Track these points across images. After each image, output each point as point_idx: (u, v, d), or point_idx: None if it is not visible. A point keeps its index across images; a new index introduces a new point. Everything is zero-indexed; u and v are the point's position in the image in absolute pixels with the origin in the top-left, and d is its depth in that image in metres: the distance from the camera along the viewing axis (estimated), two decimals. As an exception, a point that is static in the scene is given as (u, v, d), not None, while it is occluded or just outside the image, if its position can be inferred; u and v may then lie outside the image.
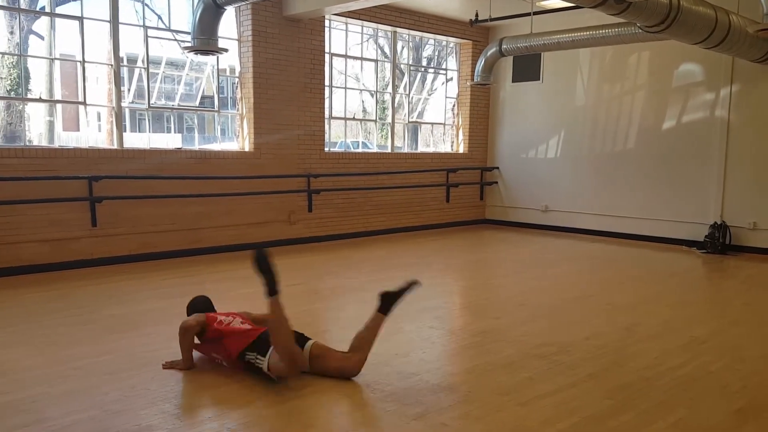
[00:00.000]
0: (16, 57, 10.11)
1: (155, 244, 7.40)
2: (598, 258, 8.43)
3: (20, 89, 10.47)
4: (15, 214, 6.40)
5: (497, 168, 11.44)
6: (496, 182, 11.47)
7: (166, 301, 5.56)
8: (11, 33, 10.10)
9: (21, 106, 9.49)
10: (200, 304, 4.15)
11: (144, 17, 7.76)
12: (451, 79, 11.33)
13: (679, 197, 9.22)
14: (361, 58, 10.11)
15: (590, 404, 3.43)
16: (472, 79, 10.00)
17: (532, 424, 3.17)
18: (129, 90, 7.74)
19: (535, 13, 8.53)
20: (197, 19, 6.37)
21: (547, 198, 10.75)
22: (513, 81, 11.02)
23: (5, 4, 7.32)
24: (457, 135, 11.39)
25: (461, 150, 11.32)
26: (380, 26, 9.84)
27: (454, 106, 11.36)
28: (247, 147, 8.34)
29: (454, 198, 11.04)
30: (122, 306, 5.40)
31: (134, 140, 8.37)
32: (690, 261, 8.26)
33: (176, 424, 3.13)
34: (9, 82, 11.32)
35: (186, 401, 3.43)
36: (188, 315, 4.01)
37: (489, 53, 9.18)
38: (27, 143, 7.32)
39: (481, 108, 11.33)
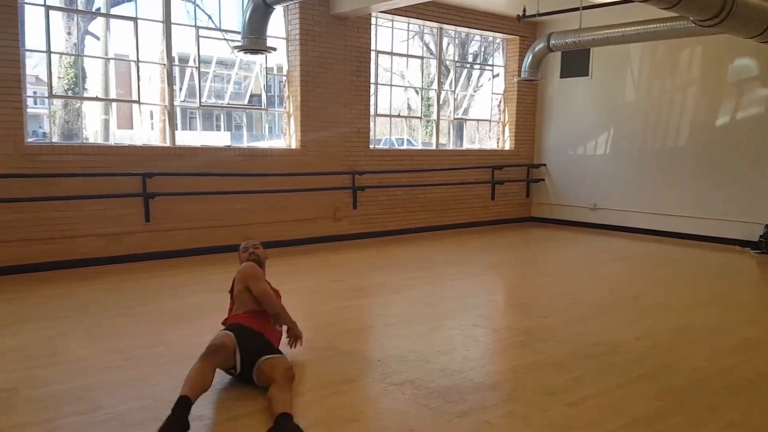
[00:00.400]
0: (73, 57, 10.48)
1: (204, 239, 7.57)
2: (649, 257, 8.23)
3: (77, 88, 10.85)
4: (73, 209, 6.64)
5: (544, 165, 11.28)
6: (543, 179, 11.31)
7: (216, 294, 5.67)
8: (69, 34, 10.47)
9: (78, 105, 9.84)
10: None
11: (195, 17, 7.94)
12: (498, 75, 11.21)
13: (733, 196, 8.92)
14: (407, 55, 10.10)
15: (639, 406, 3.36)
16: (519, 75, 9.88)
17: (579, 424, 3.13)
18: (181, 89, 7.93)
19: (585, 8, 8.36)
20: (247, 18, 6.48)
21: (596, 196, 10.55)
22: (561, 77, 10.85)
23: (63, 5, 7.57)
24: (503, 131, 11.28)
25: (507, 147, 11.20)
26: (426, 23, 9.82)
27: (500, 102, 11.25)
28: (294, 144, 8.45)
29: (500, 195, 10.94)
30: (174, 299, 5.55)
31: (185, 138, 8.56)
32: (744, 262, 7.99)
33: (223, 415, 3.20)
34: (66, 81, 11.74)
35: (232, 392, 3.50)
36: None
37: (537, 49, 9.06)
38: (84, 141, 7.58)
39: (527, 104, 11.19)
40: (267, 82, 8.57)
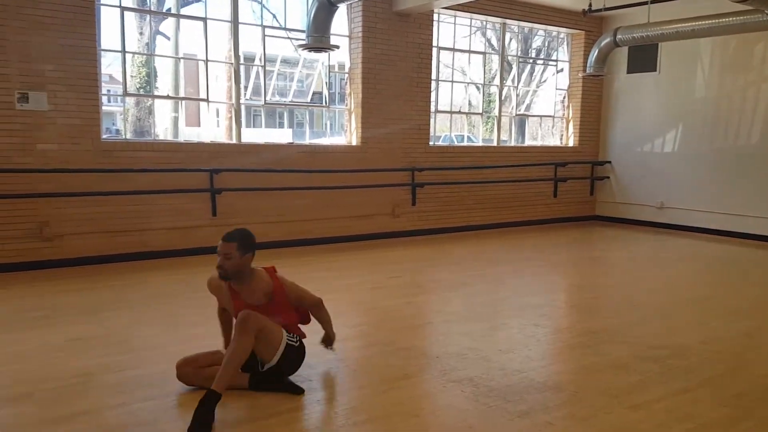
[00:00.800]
0: (145, 56, 10.89)
1: (267, 233, 7.74)
2: (718, 259, 7.94)
3: (149, 87, 11.27)
4: (145, 203, 6.93)
5: (609, 162, 11.01)
6: (608, 177, 11.05)
7: (278, 288, 5.83)
8: (141, 34, 10.90)
9: (149, 103, 10.23)
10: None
11: (262, 17, 8.12)
12: (562, 70, 11.01)
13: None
14: (469, 51, 10.05)
15: (705, 411, 3.27)
16: (584, 71, 9.67)
17: (644, 427, 3.07)
18: (247, 87, 8.13)
19: (653, 2, 8.12)
20: (311, 17, 6.60)
21: (663, 194, 10.22)
22: (628, 72, 10.55)
23: (136, 6, 7.87)
24: (567, 128, 11.07)
25: (571, 143, 10.99)
26: (489, 18, 9.74)
27: (564, 98, 11.04)
28: (355, 141, 8.54)
29: (562, 193, 10.75)
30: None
31: (249, 135, 8.78)
32: (824, 265, 7.60)
33: (286, 405, 3.29)
34: (139, 80, 12.23)
35: (297, 382, 3.58)
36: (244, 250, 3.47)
37: (603, 43, 8.86)
38: (155, 138, 7.88)
39: (592, 100, 10.94)
40: (329, 79, 8.69)
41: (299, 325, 3.71)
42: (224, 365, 3.18)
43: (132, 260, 6.84)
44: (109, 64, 8.62)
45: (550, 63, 11.23)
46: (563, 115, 11.08)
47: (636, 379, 3.71)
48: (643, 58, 10.26)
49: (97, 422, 3.06)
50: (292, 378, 3.54)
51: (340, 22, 8.35)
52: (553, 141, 11.27)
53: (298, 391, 3.39)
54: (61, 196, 6.43)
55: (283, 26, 8.20)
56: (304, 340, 3.64)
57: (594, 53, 9.04)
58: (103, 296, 5.49)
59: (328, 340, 3.87)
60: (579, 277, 7.12)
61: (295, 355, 3.52)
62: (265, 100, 7.94)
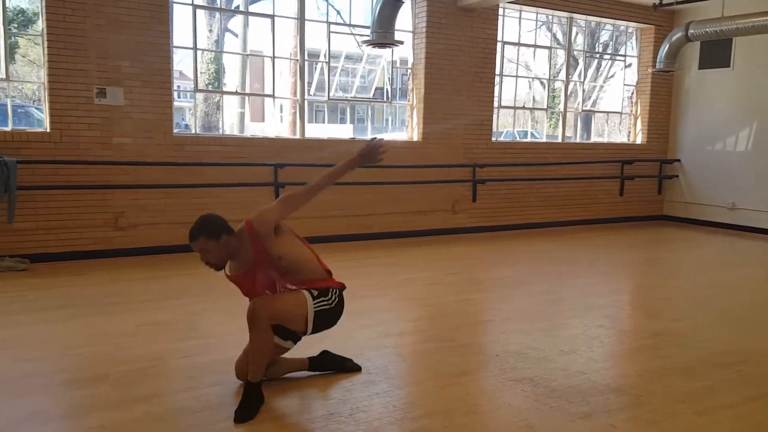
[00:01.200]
0: (214, 53, 11.21)
1: (327, 228, 7.87)
2: (796, 263, 7.58)
3: (217, 83, 11.60)
4: (213, 196, 7.15)
5: (678, 161, 10.65)
6: (677, 176, 10.68)
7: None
8: (210, 31, 11.23)
9: (217, 99, 10.53)
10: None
11: (327, 13, 8.24)
12: (630, 65, 10.70)
13: None
14: (534, 46, 9.90)
15: (779, 422, 3.15)
16: (654, 66, 9.39)
17: (710, 435, 2.99)
18: (311, 83, 8.27)
19: (729, -5, 7.81)
20: (377, 13, 6.65)
21: (735, 195, 9.81)
22: (699, 68, 10.16)
23: (207, 4, 8.11)
24: (635, 125, 10.76)
25: (639, 141, 10.68)
26: (555, 13, 9.56)
27: (632, 94, 10.73)
28: (416, 137, 8.56)
29: (629, 191, 10.47)
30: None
31: (311, 130, 8.93)
32: None
33: (345, 396, 3.36)
34: (207, 76, 12.61)
35: (352, 376, 3.64)
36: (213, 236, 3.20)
37: (674, 38, 8.58)
38: (222, 132, 8.12)
39: (662, 96, 10.60)
40: (391, 75, 8.74)
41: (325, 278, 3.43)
42: (251, 362, 3.20)
43: (199, 250, 7.08)
44: (180, 61, 8.93)
45: (618, 58, 10.93)
46: (631, 111, 10.78)
47: (703, 384, 3.60)
48: (716, 53, 9.86)
49: (167, 405, 3.20)
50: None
51: (404, 18, 8.37)
52: (620, 138, 10.98)
53: (356, 368, 3.61)
54: (136, 188, 6.72)
55: (348, 22, 8.30)
56: (343, 291, 3.48)
57: (664, 48, 8.76)
58: (173, 284, 5.72)
59: (369, 153, 3.50)
60: (645, 278, 6.93)
61: (332, 314, 3.36)
62: (328, 96, 8.05)
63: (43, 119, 6.60)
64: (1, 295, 5.17)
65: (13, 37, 6.99)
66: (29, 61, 12.70)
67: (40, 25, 6.36)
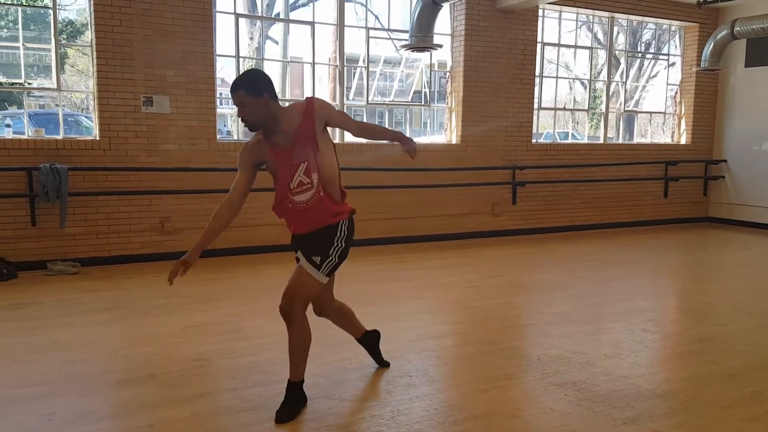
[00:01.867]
0: (254, 60, 11.39)
1: (367, 230, 7.90)
2: None
3: (258, 89, 11.73)
4: (254, 200, 7.19)
5: (725, 161, 10.38)
6: (723, 177, 10.41)
7: (379, 284, 5.97)
8: (251, 39, 11.42)
9: (258, 104, 10.71)
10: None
11: (366, 19, 8.30)
12: (673, 64, 10.48)
13: None
14: (575, 46, 9.78)
15: (834, 430, 3.05)
16: (698, 65, 9.18)
17: (760, 443, 2.92)
18: (350, 88, 8.34)
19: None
20: (415, 17, 6.68)
21: (786, 196, 9.52)
22: (746, 66, 9.89)
23: (247, 12, 8.25)
24: (679, 125, 10.53)
25: (683, 141, 10.45)
26: (596, 12, 9.44)
27: (675, 93, 10.51)
28: (455, 139, 8.54)
29: (673, 193, 10.25)
30: (342, 285, 5.87)
31: (349, 134, 9.02)
32: None
33: (386, 399, 3.38)
34: (249, 82, 12.81)
35: (395, 378, 3.68)
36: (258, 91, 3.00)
37: (719, 36, 8.39)
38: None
39: (707, 95, 10.34)
40: (429, 78, 8.75)
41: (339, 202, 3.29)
42: (292, 360, 3.22)
43: (242, 254, 7.22)
44: (222, 68, 9.10)
45: (661, 57, 10.72)
46: (675, 111, 10.55)
47: (751, 390, 3.51)
48: (763, 50, 9.58)
49: (214, 405, 3.28)
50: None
51: (443, 21, 8.38)
52: (664, 138, 10.75)
53: (384, 364, 3.76)
54: (181, 193, 6.88)
55: (386, 27, 8.35)
56: (353, 216, 3.41)
57: (709, 46, 8.57)
58: (217, 287, 5.84)
59: (407, 145, 3.31)
60: (690, 281, 6.78)
61: (345, 251, 3.26)
62: (367, 101, 8.11)
63: (92, 127, 6.82)
64: (54, 298, 5.36)
65: (62, 48, 7.23)
66: (78, 71, 13.12)
67: (89, 35, 6.58)
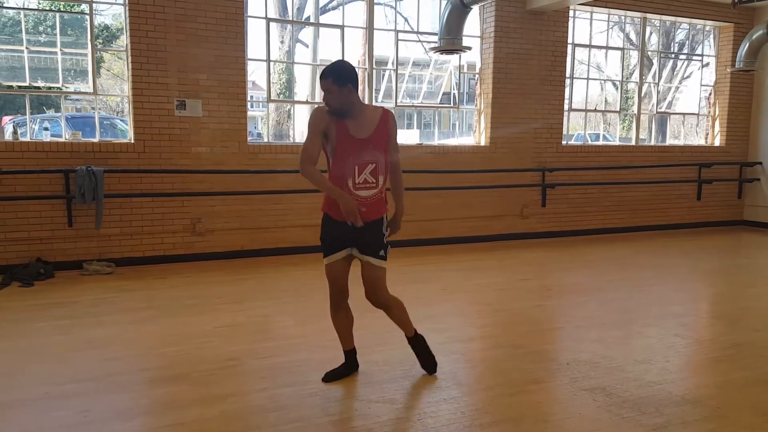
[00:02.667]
0: (285, 64, 11.51)
1: (398, 233, 7.92)
2: None
3: (288, 92, 11.90)
4: (284, 202, 7.35)
5: (760, 163, 10.15)
6: (759, 179, 10.18)
7: (408, 285, 5.96)
8: (281, 42, 11.55)
9: (288, 108, 10.80)
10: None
11: (395, 22, 8.33)
12: (707, 65, 10.30)
13: None
14: (606, 47, 9.68)
15: None
16: (733, 66, 9.00)
17: (795, 452, 2.86)
18: (378, 90, 8.37)
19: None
20: (444, 19, 6.69)
21: (826, 199, 9.27)
22: (785, 65, 9.68)
23: (278, 17, 8.34)
24: (713, 126, 10.33)
25: (717, 143, 10.25)
26: (628, 13, 9.32)
27: (710, 94, 10.32)
28: (483, 141, 8.52)
29: (707, 195, 10.06)
30: (369, 288, 5.92)
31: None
32: None
33: (412, 401, 3.40)
34: (279, 86, 12.96)
35: (421, 381, 3.68)
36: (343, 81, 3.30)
37: (754, 36, 8.22)
38: (293, 140, 8.33)
39: (742, 97, 10.13)
40: (458, 80, 8.74)
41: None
42: (401, 323, 3.72)
43: (272, 255, 7.29)
44: (253, 72, 9.24)
45: (695, 58, 10.53)
46: (709, 112, 10.36)
47: (789, 399, 3.44)
48: (804, 49, 9.35)
49: (244, 404, 3.33)
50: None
51: (472, 23, 8.36)
52: (697, 140, 10.57)
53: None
54: (212, 195, 6.99)
55: (415, 30, 8.36)
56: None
57: (744, 47, 8.41)
58: (247, 288, 5.92)
59: (394, 223, 3.66)
60: (724, 285, 6.65)
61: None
62: (396, 103, 8.13)
63: (127, 130, 6.97)
64: (89, 298, 5.49)
65: (98, 53, 7.41)
66: (113, 74, 13.41)
67: (124, 40, 6.72)
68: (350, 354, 3.74)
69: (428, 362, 3.76)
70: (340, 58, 3.43)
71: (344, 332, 3.71)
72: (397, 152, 3.53)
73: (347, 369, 3.71)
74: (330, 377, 3.62)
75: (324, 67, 3.37)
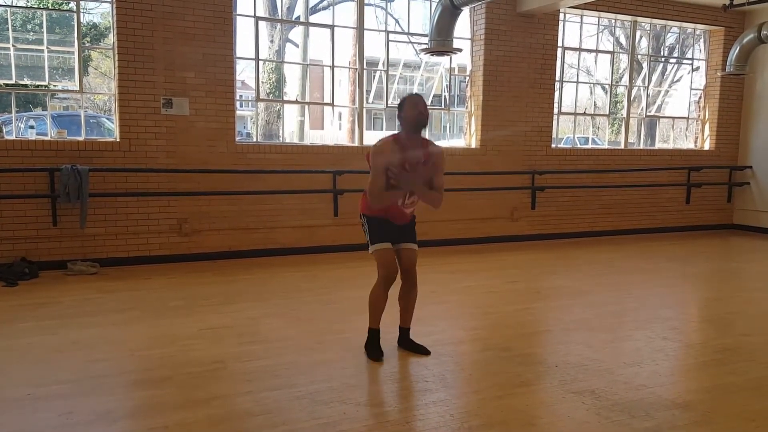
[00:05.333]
0: (274, 63, 11.44)
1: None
2: None
3: (278, 92, 11.83)
4: (274, 202, 7.30)
5: (750, 167, 10.20)
6: (748, 183, 10.24)
7: (396, 288, 5.92)
8: (271, 41, 11.48)
9: (278, 107, 10.74)
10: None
11: (386, 22, 8.30)
12: (698, 69, 10.34)
13: None
14: (596, 51, 9.69)
15: None
16: (724, 69, 9.04)
17: (784, 457, 2.84)
18: (369, 91, 8.34)
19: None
20: (435, 21, 6.66)
21: (813, 203, 9.32)
22: (774, 69, 9.74)
23: (267, 15, 8.29)
24: (702, 130, 10.37)
25: (707, 147, 10.29)
26: (618, 16, 9.34)
27: (699, 98, 10.36)
28: (474, 144, 8.50)
29: (696, 199, 10.09)
30: (359, 290, 5.86)
31: (370, 138, 9.02)
32: None
33: (403, 404, 3.36)
34: (269, 85, 12.89)
35: (409, 383, 3.65)
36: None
37: (745, 40, 8.25)
38: (282, 140, 8.27)
39: (732, 101, 10.18)
40: (449, 82, 8.72)
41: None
42: (410, 310, 4.20)
43: (260, 256, 7.23)
44: (242, 71, 9.17)
45: (685, 61, 10.58)
46: (698, 116, 10.40)
47: (778, 403, 3.43)
48: (793, 54, 9.41)
49: (229, 407, 3.27)
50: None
51: (463, 25, 8.35)
52: (687, 144, 10.61)
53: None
54: (199, 195, 6.92)
55: (406, 31, 8.33)
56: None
57: (735, 51, 8.43)
58: (234, 289, 5.85)
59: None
60: (713, 289, 6.66)
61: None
62: (387, 104, 8.10)
63: (113, 129, 6.89)
64: (73, 298, 5.41)
65: (86, 51, 7.32)
66: (101, 73, 13.30)
67: (112, 39, 6.65)
68: (378, 332, 4.08)
69: (421, 347, 4.11)
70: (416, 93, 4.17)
71: (381, 310, 4.06)
72: (441, 182, 4.37)
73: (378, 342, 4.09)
74: (378, 354, 3.98)
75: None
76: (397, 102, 4.25)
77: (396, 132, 4.04)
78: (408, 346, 4.16)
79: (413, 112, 3.90)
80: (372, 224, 4.08)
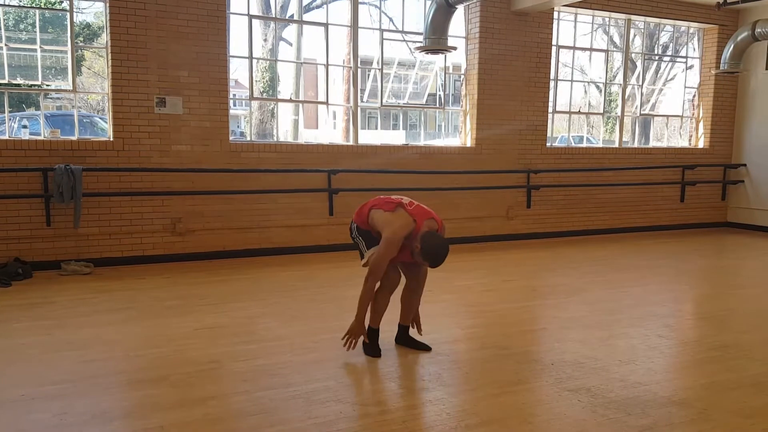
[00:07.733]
0: (268, 62, 11.41)
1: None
2: None
3: (272, 91, 11.81)
4: (268, 202, 7.28)
5: (744, 165, 10.24)
6: (743, 181, 10.27)
7: (392, 287, 5.92)
8: (265, 40, 11.44)
9: (272, 106, 10.71)
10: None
11: (380, 21, 8.29)
12: (692, 67, 10.36)
13: None
14: (590, 49, 9.70)
15: None
16: (717, 67, 9.06)
17: (781, 453, 2.85)
18: (363, 90, 8.32)
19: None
20: (429, 19, 6.65)
21: (807, 200, 9.36)
22: (767, 68, 9.76)
23: (261, 14, 8.26)
24: (697, 128, 10.40)
25: (701, 145, 10.32)
26: (612, 15, 9.35)
27: (693, 96, 10.39)
28: (469, 142, 8.50)
29: (690, 197, 10.12)
30: (354, 289, 5.85)
31: (364, 137, 9.01)
32: None
33: (400, 403, 3.35)
34: (262, 84, 12.85)
35: (406, 382, 3.64)
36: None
37: (739, 38, 8.26)
38: (277, 139, 8.25)
39: (726, 99, 10.22)
40: (444, 81, 8.71)
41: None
42: (413, 310, 4.25)
43: (255, 255, 7.21)
44: (235, 69, 9.12)
45: (679, 60, 10.60)
46: (692, 114, 10.43)
47: (773, 399, 3.43)
48: (786, 52, 9.45)
49: (224, 407, 3.26)
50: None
51: (457, 24, 8.34)
52: (681, 142, 10.63)
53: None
54: (193, 194, 6.89)
55: (400, 29, 8.32)
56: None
57: (729, 49, 8.45)
58: (229, 289, 5.83)
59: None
60: (708, 287, 6.68)
61: None
62: (381, 103, 8.09)
63: (106, 128, 6.85)
64: (67, 298, 5.38)
65: (79, 50, 7.28)
66: (94, 72, 13.23)
67: (105, 38, 6.61)
68: (377, 332, 4.09)
69: (421, 344, 4.15)
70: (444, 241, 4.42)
71: (383, 312, 4.10)
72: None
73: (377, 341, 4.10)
74: (376, 352, 4.00)
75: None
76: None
77: (414, 222, 4.21)
78: (408, 343, 4.16)
79: (428, 261, 4.11)
80: (368, 235, 4.28)
